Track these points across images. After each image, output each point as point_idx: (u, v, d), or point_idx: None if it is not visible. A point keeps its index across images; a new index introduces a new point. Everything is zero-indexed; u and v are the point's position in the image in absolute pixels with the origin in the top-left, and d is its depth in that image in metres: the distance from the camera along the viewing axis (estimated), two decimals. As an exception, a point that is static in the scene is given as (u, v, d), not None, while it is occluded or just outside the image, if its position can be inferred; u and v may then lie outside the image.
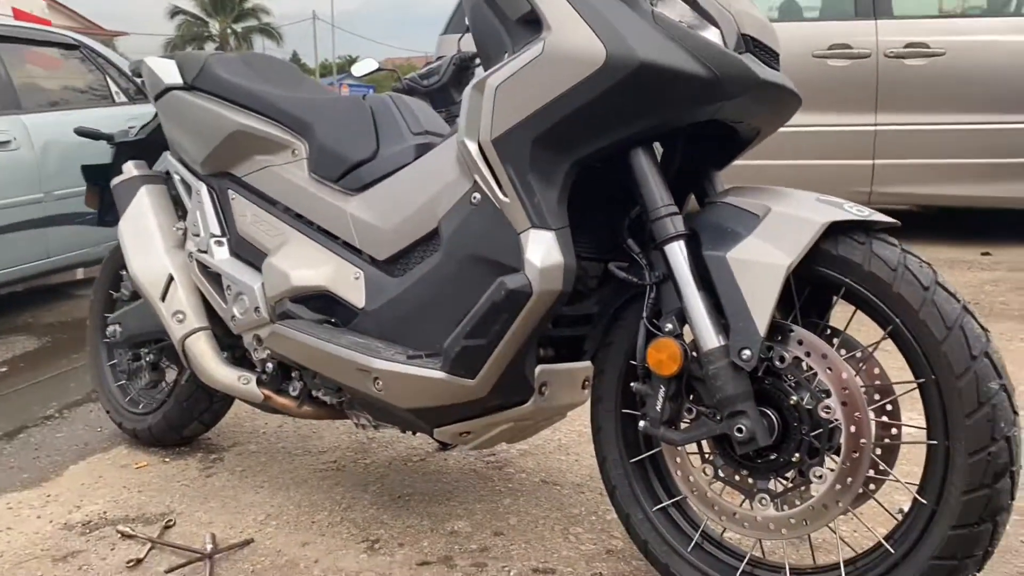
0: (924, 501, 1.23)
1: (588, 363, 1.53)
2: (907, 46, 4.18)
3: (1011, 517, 1.21)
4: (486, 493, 1.91)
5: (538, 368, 1.45)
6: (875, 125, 4.27)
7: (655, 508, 1.47)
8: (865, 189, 4.28)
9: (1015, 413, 1.19)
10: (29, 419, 2.55)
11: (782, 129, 1.55)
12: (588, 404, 1.57)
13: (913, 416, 1.34)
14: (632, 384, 1.41)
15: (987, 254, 4.24)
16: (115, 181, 2.13)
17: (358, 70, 3.78)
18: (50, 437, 2.40)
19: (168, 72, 1.98)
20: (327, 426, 2.35)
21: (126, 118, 3.96)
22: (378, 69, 3.84)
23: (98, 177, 2.35)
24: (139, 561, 1.65)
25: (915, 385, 1.24)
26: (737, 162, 1.55)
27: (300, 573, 1.58)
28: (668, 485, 1.48)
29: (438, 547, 1.67)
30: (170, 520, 1.81)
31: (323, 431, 2.33)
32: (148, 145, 2.22)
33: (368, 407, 1.65)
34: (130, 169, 2.12)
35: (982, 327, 1.21)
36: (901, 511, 1.32)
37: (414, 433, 1.85)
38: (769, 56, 1.42)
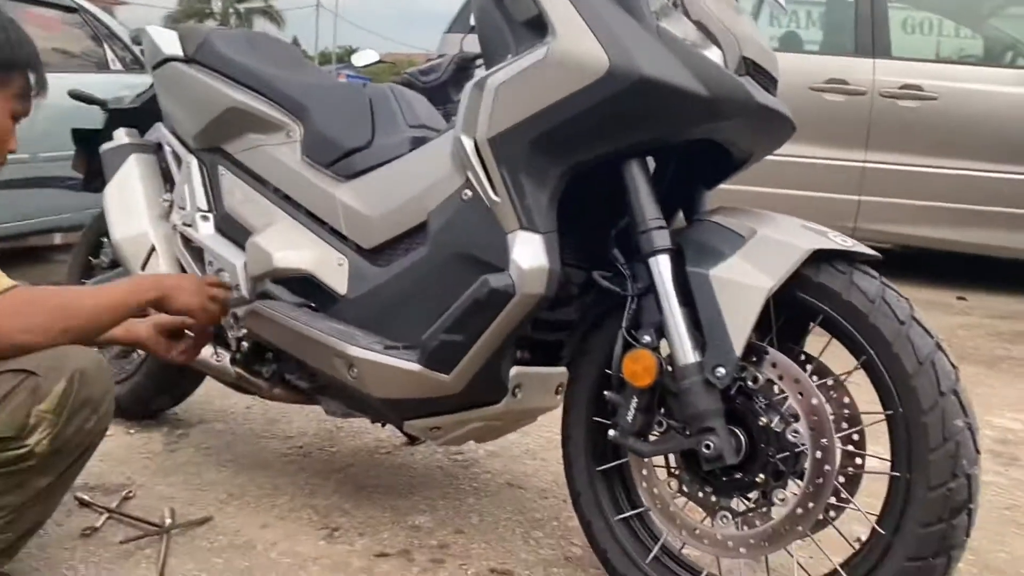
0: (882, 531, 1.25)
1: (563, 369, 1.54)
2: (902, 87, 4.24)
3: (963, 554, 1.23)
4: (450, 491, 1.91)
5: (513, 370, 1.46)
6: (864, 162, 4.33)
7: (617, 518, 1.48)
8: (849, 224, 4.33)
9: (977, 452, 1.21)
10: (-6, 379, 2.52)
11: (772, 156, 1.58)
12: (559, 410, 1.58)
13: (877, 449, 1.36)
14: (605, 393, 1.42)
15: (963, 299, 4.30)
16: (105, 147, 2.11)
17: (359, 60, 3.78)
18: (15, 399, 2.37)
19: (169, 43, 1.97)
20: (296, 411, 2.34)
21: (120, 86, 3.92)
22: (378, 61, 3.84)
23: (88, 142, 2.33)
24: (95, 530, 1.63)
25: (883, 417, 1.26)
26: (724, 186, 1.56)
27: (257, 555, 1.58)
28: (632, 496, 1.49)
29: (398, 540, 1.67)
30: (130, 492, 1.79)
31: (292, 416, 2.32)
32: (141, 114, 2.20)
33: (340, 394, 1.65)
34: (121, 136, 2.10)
35: (952, 365, 1.23)
36: (859, 540, 1.34)
37: (383, 424, 1.85)
38: (768, 81, 1.44)
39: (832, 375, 1.34)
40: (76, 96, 2.72)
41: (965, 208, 4.26)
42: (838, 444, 1.28)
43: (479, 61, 2.67)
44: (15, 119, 1.41)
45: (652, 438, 1.38)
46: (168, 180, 2.04)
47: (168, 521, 1.64)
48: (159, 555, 1.53)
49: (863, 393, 1.32)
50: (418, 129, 1.74)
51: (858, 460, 1.32)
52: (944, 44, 4.78)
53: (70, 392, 1.28)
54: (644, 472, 1.43)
